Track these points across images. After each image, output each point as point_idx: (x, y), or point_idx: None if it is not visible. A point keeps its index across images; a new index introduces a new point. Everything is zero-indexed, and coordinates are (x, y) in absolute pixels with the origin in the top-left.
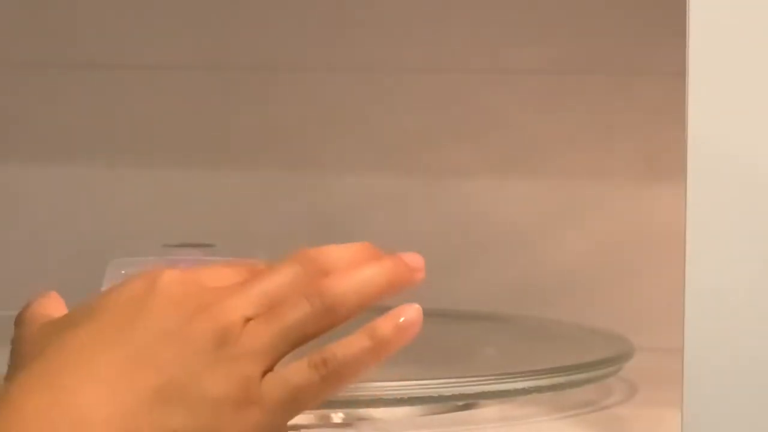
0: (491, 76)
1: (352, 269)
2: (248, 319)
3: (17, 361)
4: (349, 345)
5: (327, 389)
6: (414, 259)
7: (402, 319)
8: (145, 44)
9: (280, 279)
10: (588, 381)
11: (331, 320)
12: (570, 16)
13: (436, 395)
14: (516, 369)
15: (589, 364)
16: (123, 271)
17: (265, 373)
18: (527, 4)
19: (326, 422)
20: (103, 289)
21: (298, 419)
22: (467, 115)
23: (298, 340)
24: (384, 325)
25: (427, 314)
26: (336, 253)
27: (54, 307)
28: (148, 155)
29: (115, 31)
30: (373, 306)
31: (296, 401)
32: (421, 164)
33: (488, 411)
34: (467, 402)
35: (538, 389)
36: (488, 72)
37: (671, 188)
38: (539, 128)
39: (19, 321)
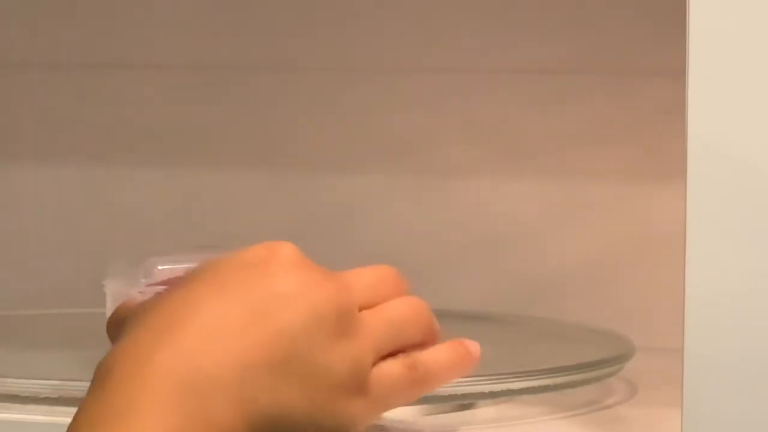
0: (491, 76)
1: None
2: (360, 308)
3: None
4: (436, 353)
5: (413, 391)
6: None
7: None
8: (145, 44)
9: (372, 273)
10: (589, 381)
11: (432, 340)
12: (570, 16)
13: (436, 395)
14: (516, 369)
15: (590, 363)
16: (159, 267)
17: (372, 364)
18: (527, 4)
19: None
20: (106, 282)
21: None
22: (467, 115)
23: (396, 342)
24: (470, 343)
25: None
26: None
27: None
28: (149, 155)
29: (115, 31)
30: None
31: (390, 398)
32: (421, 164)
33: (488, 411)
34: (467, 402)
35: (539, 389)
36: (488, 72)
37: (671, 188)
38: (539, 128)
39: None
